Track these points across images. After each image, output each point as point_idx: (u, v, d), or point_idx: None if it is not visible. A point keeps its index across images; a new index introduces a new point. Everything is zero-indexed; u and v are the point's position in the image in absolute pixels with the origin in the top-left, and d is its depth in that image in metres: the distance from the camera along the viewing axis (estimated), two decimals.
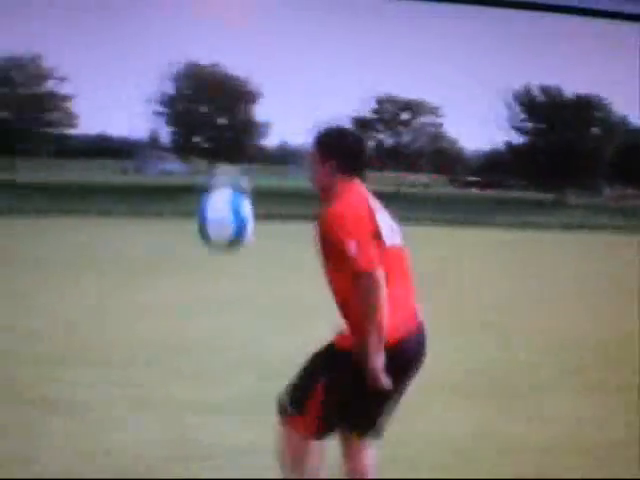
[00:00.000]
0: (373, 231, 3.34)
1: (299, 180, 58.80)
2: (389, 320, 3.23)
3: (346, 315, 3.36)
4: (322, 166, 3.50)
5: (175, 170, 70.00)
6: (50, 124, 50.64)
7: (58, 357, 6.91)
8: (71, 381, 6.11)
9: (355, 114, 54.87)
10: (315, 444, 3.42)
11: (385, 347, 3.22)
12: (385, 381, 3.21)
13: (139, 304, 9.88)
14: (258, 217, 3.70)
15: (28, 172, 54.79)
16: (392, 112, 57.94)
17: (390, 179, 59.45)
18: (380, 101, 57.66)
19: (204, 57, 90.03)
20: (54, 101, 49.98)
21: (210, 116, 57.19)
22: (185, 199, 32.43)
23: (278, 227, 22.57)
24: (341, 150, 3.51)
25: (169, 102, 58.63)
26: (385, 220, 3.45)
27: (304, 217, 27.06)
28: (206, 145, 56.28)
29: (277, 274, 13.46)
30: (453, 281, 12.97)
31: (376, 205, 3.49)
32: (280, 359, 6.16)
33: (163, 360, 6.97)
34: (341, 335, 3.37)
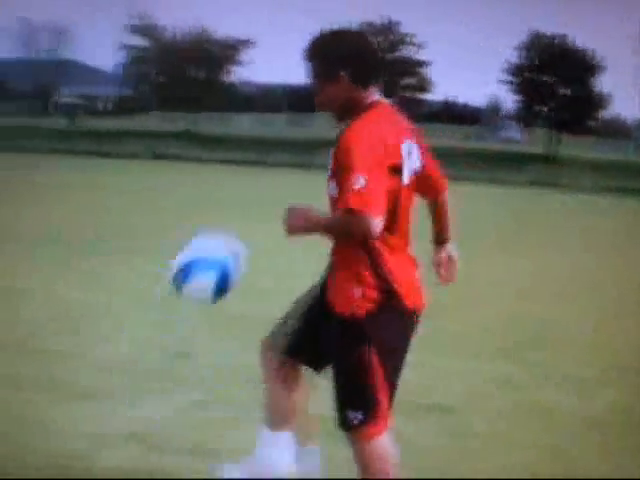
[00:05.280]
0: (392, 164, 2.75)
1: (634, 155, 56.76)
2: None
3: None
4: (331, 80, 2.82)
5: (516, 138, 70.46)
6: (405, 88, 53.77)
7: None
8: None
9: None
10: None
11: None
12: None
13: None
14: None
15: None
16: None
17: None
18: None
19: (550, 28, 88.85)
20: (410, 67, 52.82)
21: (554, 86, 57.35)
22: (528, 168, 33.59)
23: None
24: (356, 56, 2.84)
25: (515, 71, 59.60)
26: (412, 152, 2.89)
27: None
28: (549, 115, 56.68)
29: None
30: None
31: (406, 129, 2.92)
32: None
33: None
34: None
